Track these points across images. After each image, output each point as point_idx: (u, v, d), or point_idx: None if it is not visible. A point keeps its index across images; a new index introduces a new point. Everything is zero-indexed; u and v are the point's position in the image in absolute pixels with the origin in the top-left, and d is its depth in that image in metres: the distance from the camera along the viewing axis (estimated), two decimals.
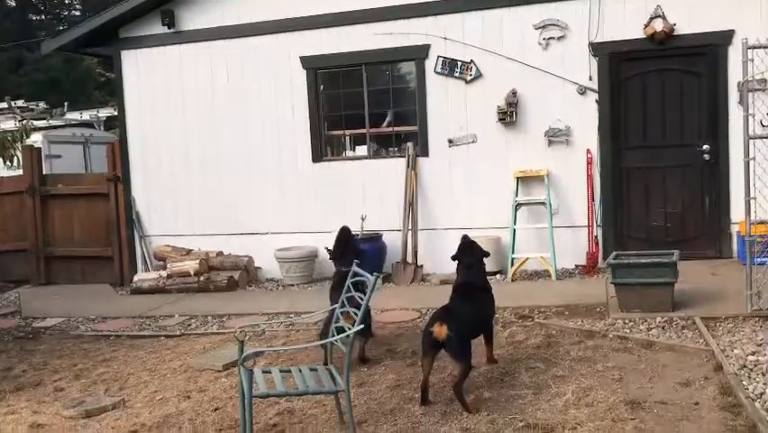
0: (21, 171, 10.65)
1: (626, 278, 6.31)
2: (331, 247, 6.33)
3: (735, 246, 8.08)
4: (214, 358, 6.02)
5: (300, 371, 4.29)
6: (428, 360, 4.66)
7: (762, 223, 6.20)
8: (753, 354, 5.07)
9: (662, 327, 5.93)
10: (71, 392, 5.57)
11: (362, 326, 4.20)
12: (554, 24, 8.41)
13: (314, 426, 4.50)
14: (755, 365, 4.87)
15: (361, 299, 4.28)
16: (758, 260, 6.14)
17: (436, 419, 4.46)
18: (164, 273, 9.32)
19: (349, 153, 9.55)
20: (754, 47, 5.89)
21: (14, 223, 10.63)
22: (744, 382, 4.59)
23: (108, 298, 9.30)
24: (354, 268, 4.63)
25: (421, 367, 4.80)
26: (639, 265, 6.32)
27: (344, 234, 6.31)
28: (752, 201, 5.95)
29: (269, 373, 4.33)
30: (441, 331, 4.53)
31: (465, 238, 5.51)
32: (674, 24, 8.03)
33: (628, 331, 5.95)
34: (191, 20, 9.64)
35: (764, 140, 6.10)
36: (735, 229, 8.00)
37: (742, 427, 3.98)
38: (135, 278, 9.56)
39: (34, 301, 9.15)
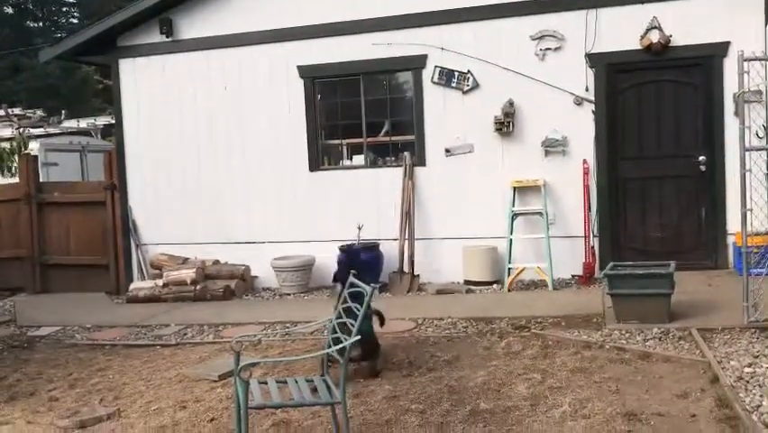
0: (17, 179, 10.63)
1: (623, 288, 6.32)
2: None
3: (731, 257, 8.09)
4: (210, 368, 5.99)
5: (296, 382, 4.27)
6: None
7: (758, 234, 6.22)
8: (749, 365, 5.07)
9: (659, 338, 5.94)
10: (66, 402, 5.54)
11: (358, 337, 4.19)
12: (551, 35, 8.45)
13: None
14: (752, 377, 4.86)
15: (358, 309, 4.27)
16: (755, 271, 6.15)
17: (432, 431, 4.45)
18: (160, 282, 9.28)
19: (346, 163, 9.56)
20: (749, 59, 5.92)
21: (10, 231, 10.59)
22: (740, 394, 4.58)
23: (104, 306, 9.26)
24: (351, 279, 4.63)
25: None
26: (635, 276, 6.34)
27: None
28: (748, 213, 5.98)
29: (266, 384, 4.31)
30: None
31: None
32: (670, 36, 8.07)
33: (625, 342, 5.94)
34: (189, 29, 9.65)
35: (760, 152, 6.13)
36: (731, 240, 8.02)
37: None
38: (131, 286, 9.52)
39: (30, 310, 9.11)
